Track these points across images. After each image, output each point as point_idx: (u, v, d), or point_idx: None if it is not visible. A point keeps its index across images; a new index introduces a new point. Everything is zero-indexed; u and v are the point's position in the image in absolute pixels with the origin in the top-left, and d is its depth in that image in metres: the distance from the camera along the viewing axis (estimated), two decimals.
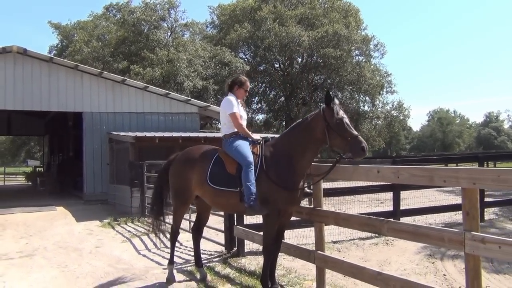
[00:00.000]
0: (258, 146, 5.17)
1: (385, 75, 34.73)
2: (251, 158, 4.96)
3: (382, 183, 8.80)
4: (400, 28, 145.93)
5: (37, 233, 10.10)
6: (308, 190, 5.23)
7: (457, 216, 11.01)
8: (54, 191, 20.48)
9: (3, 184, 31.86)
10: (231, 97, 5.50)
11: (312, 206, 5.39)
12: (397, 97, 79.14)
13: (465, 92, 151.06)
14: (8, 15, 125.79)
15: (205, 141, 13.55)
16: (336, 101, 4.83)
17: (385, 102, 35.80)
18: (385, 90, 34.53)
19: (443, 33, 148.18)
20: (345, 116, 4.70)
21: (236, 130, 5.34)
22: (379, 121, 35.35)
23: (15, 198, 18.60)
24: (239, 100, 5.58)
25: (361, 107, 34.80)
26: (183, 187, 5.57)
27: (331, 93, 4.92)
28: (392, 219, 7.45)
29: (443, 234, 3.79)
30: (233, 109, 5.35)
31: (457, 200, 13.66)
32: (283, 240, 5.76)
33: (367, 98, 34.37)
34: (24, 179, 31.12)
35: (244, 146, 5.11)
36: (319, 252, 5.18)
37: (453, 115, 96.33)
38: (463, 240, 3.57)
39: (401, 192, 11.98)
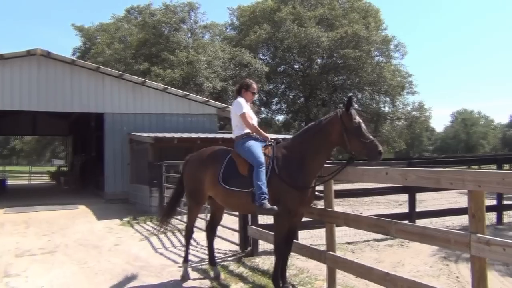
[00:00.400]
0: (269, 147, 5.28)
1: (405, 75, 34.36)
2: (262, 158, 5.07)
3: (397, 185, 8.74)
4: (422, 26, 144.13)
5: (59, 231, 10.40)
6: (319, 194, 5.31)
7: None
8: (77, 190, 20.99)
9: (28, 183, 32.70)
10: (240, 100, 5.66)
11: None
12: (418, 98, 78.38)
13: (490, 92, 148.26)
14: (35, 18, 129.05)
15: (223, 142, 13.70)
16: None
17: (405, 103, 35.47)
18: (406, 91, 34.18)
19: (466, 31, 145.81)
20: (361, 120, 4.83)
21: (247, 131, 5.47)
22: (400, 122, 34.99)
23: (39, 196, 19.13)
24: (248, 103, 5.73)
25: (381, 108, 34.54)
26: (196, 188, 5.73)
27: (352, 98, 5.07)
28: (407, 221, 7.53)
29: (449, 236, 3.82)
30: (243, 109, 5.51)
31: None
32: (295, 241, 5.86)
33: (387, 99, 34.08)
34: (48, 178, 31.94)
35: (255, 147, 5.22)
36: (329, 252, 5.25)
37: (477, 116, 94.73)
38: (468, 242, 3.60)
39: (422, 194, 11.94)
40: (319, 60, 33.99)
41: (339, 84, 34.08)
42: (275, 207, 4.88)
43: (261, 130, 5.54)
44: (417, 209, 9.69)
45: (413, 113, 35.19)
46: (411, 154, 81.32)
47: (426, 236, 4.04)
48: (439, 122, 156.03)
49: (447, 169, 4.98)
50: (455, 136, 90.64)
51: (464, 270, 6.43)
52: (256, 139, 5.41)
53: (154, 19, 29.99)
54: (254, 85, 5.87)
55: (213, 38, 35.18)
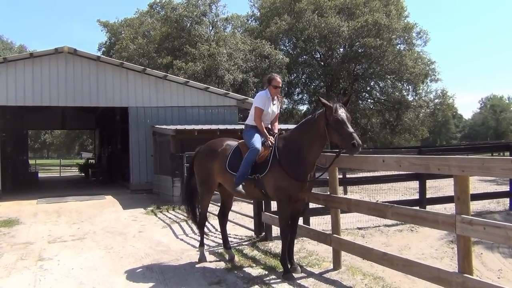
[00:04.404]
0: (272, 137, 5.69)
1: (428, 63, 33.88)
2: (258, 145, 5.55)
3: (407, 172, 8.98)
4: (449, 11, 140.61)
5: (88, 219, 11.04)
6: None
7: (491, 205, 11.03)
8: (104, 182, 21.80)
9: (59, 175, 33.88)
10: (262, 92, 6.09)
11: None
12: (442, 85, 77.06)
13: None
14: (64, 15, 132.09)
15: (242, 133, 14.03)
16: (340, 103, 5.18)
17: (428, 90, 35.02)
18: (428, 78, 33.72)
19: (496, 14, 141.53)
20: (343, 114, 5.02)
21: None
22: (422, 110, 34.62)
23: (69, 188, 20.07)
24: (270, 97, 6.07)
25: (404, 96, 34.21)
26: (206, 176, 6.21)
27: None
28: (418, 207, 7.80)
29: (437, 217, 4.15)
30: (257, 103, 5.95)
31: (496, 189, 13.54)
32: (305, 225, 6.24)
33: (409, 87, 33.77)
34: (77, 170, 33.03)
35: (257, 135, 5.72)
36: (334, 235, 5.62)
37: (507, 101, 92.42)
38: (454, 223, 3.92)
39: (441, 181, 12.05)
40: (340, 50, 33.88)
41: (360, 73, 33.92)
42: (243, 191, 5.57)
43: (263, 128, 5.89)
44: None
45: (436, 100, 34.74)
46: (438, 142, 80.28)
47: (418, 218, 4.37)
48: (468, 109, 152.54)
49: (427, 156, 5.25)
50: (483, 123, 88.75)
51: None
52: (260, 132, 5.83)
53: (176, 13, 30.40)
54: (276, 80, 6.09)
55: (234, 30, 35.44)
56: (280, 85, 6.17)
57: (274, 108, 6.14)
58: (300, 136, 5.43)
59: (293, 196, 5.44)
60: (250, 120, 6.07)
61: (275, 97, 6.16)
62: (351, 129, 4.96)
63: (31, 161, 34.40)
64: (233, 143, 6.14)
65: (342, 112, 5.04)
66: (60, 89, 16.50)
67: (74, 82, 16.65)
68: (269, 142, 5.70)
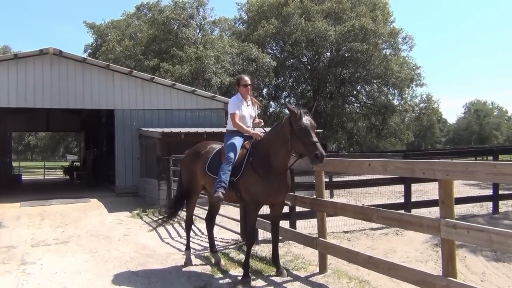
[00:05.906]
0: (249, 141, 5.72)
1: (413, 67, 34.35)
2: (233, 154, 5.50)
3: (392, 176, 9.05)
4: (434, 16, 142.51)
5: (72, 223, 10.89)
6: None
7: (474, 209, 11.18)
8: (89, 184, 21.56)
9: (43, 178, 33.43)
10: (233, 98, 6.08)
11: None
12: (427, 90, 78.36)
13: (503, 83, 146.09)
14: (49, 16, 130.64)
15: None
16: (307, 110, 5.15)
17: (413, 95, 35.52)
18: (414, 83, 34.18)
19: (480, 20, 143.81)
20: (307, 122, 4.94)
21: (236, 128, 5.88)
22: (408, 114, 35.05)
23: (53, 190, 19.74)
24: (243, 99, 6.03)
25: (390, 100, 34.58)
26: (190, 179, 6.22)
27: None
28: (403, 211, 7.88)
29: (422, 221, 4.18)
30: (232, 109, 5.88)
31: (479, 192, 13.72)
32: (291, 229, 6.25)
33: (395, 91, 34.17)
34: (62, 173, 32.64)
35: (234, 143, 5.63)
36: (320, 239, 5.64)
37: (490, 106, 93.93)
38: (438, 226, 3.95)
39: (426, 185, 12.16)
40: (327, 54, 34.12)
41: (347, 77, 34.20)
42: (221, 196, 5.37)
43: (245, 128, 5.81)
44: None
45: (421, 105, 35.25)
46: (423, 146, 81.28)
47: (403, 222, 4.41)
48: (452, 113, 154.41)
49: (412, 160, 5.30)
50: (467, 127, 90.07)
51: None
52: (242, 136, 5.80)
53: (163, 15, 30.30)
54: (243, 80, 6.09)
55: (222, 33, 35.44)
56: (249, 83, 6.06)
57: (249, 110, 6.07)
58: (269, 141, 5.41)
59: (260, 202, 5.48)
60: (229, 126, 5.99)
61: (249, 99, 6.10)
62: (315, 139, 4.86)
63: (14, 164, 33.95)
64: (216, 146, 6.12)
65: (306, 120, 4.95)
66: (45, 90, 16.29)
67: (59, 83, 16.45)
68: (256, 135, 5.64)
